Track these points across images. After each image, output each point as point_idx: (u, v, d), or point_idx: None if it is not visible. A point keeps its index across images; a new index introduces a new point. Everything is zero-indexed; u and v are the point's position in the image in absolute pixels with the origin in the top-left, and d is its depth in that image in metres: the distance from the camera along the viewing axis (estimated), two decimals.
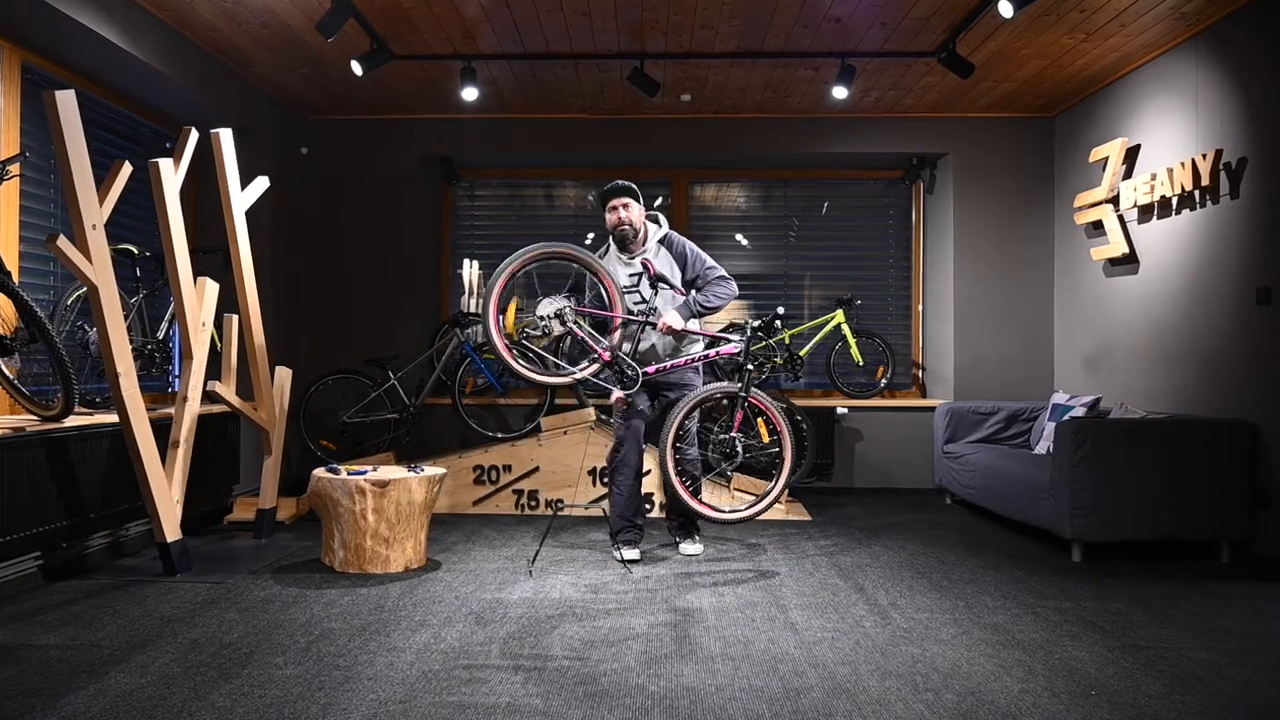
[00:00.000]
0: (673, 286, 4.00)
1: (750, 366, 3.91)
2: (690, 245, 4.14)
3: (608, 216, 4.09)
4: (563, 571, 3.86)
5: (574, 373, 3.96)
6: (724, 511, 3.99)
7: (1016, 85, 5.55)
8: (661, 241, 4.13)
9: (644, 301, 4.01)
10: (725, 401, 4.00)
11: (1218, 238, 4.46)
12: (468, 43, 4.92)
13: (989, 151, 6.17)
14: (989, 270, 6.19)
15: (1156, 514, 4.09)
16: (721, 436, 3.95)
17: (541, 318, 3.85)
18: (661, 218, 4.20)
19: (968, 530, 4.90)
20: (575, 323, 3.88)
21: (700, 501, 3.98)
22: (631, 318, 3.96)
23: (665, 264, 4.09)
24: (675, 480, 3.91)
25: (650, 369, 3.96)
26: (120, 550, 4.11)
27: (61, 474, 3.64)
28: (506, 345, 3.80)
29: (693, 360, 4.04)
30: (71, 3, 3.85)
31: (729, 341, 4.07)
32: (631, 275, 4.08)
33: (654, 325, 3.97)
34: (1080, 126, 5.80)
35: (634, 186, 4.10)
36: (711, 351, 4.08)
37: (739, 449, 3.94)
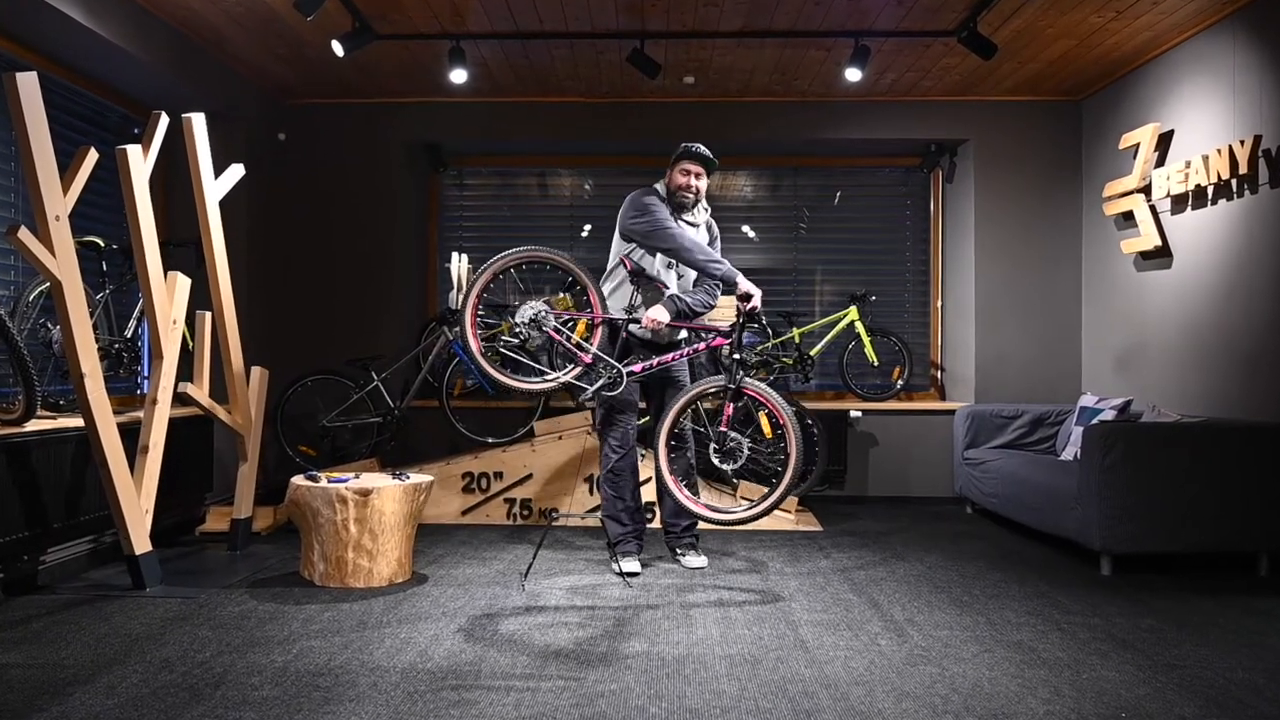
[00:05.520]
0: (654, 280, 4.09)
1: (737, 356, 3.90)
2: (720, 242, 4.35)
3: (678, 177, 4.16)
4: (557, 585, 3.86)
5: (557, 377, 4.00)
6: (722, 512, 3.96)
7: (1042, 67, 5.54)
8: (705, 223, 4.30)
9: (653, 282, 4.13)
10: (719, 396, 3.99)
11: (1257, 229, 4.45)
12: (456, 21, 4.92)
13: (1012, 137, 6.17)
14: (1012, 264, 6.19)
15: (1191, 524, 4.09)
16: (720, 430, 3.89)
17: (518, 324, 3.89)
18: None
19: (990, 541, 4.90)
20: (554, 328, 3.90)
21: (697, 502, 3.97)
22: (612, 317, 4.02)
23: (703, 240, 4.22)
24: (670, 479, 3.91)
25: (637, 368, 3.98)
26: (86, 563, 4.11)
27: (22, 482, 3.64)
28: (483, 352, 3.88)
29: (682, 355, 4.08)
30: None
31: (718, 333, 4.03)
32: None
33: (639, 322, 4.01)
34: (1109, 111, 5.80)
35: (716, 161, 4.21)
36: (700, 344, 4.09)
37: (735, 446, 3.90)
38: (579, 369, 3.97)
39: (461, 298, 3.83)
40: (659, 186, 4.23)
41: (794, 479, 3.80)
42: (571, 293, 5.61)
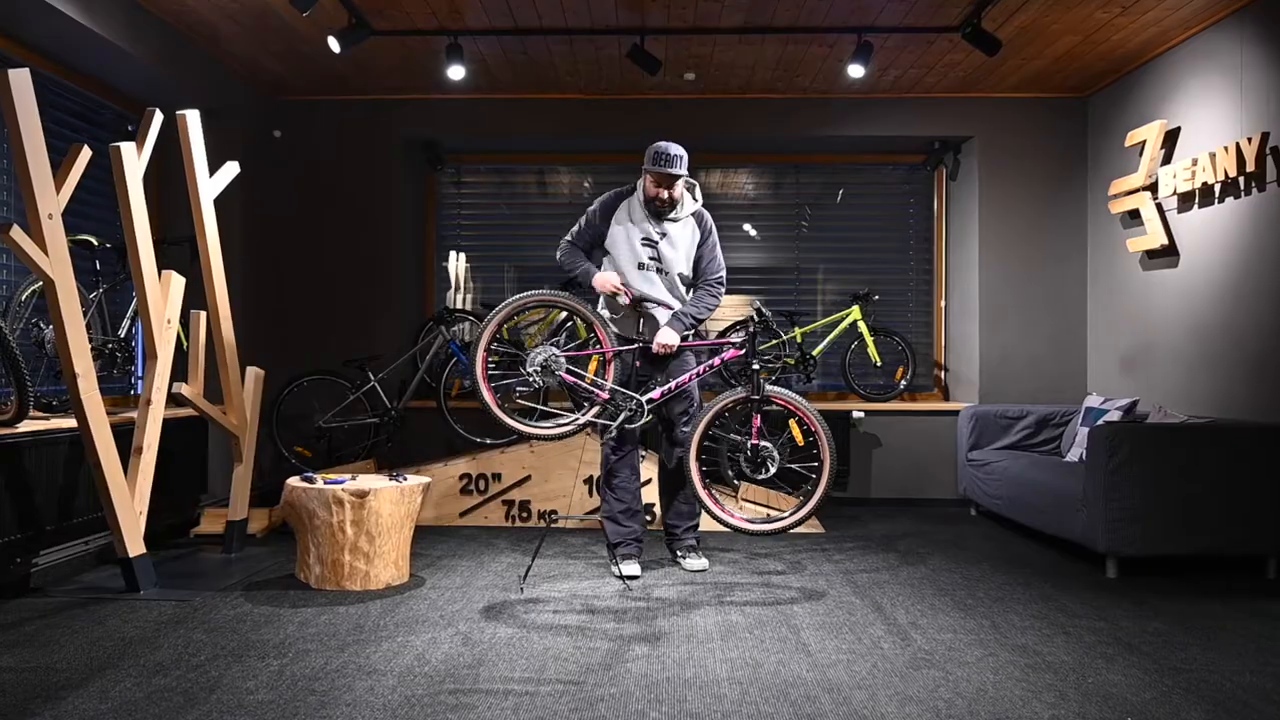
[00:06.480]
0: (660, 304, 4.10)
1: (756, 366, 3.93)
2: (716, 236, 4.26)
3: (649, 185, 4.09)
4: (557, 588, 3.87)
5: (575, 419, 4.01)
6: (757, 523, 4.02)
7: (1046, 63, 5.54)
8: (695, 215, 4.22)
9: (657, 259, 4.11)
10: (741, 409, 4.02)
11: (1264, 227, 4.45)
12: (454, 17, 4.91)
13: (1017, 134, 6.17)
14: (1017, 263, 6.19)
15: (1198, 526, 4.09)
16: (753, 444, 3.95)
17: (530, 374, 3.87)
18: (698, 187, 4.28)
19: (994, 544, 4.90)
20: (567, 370, 3.90)
21: (733, 514, 4.02)
22: (623, 349, 4.02)
23: (689, 236, 4.18)
24: (704, 493, 3.98)
25: (656, 394, 4.00)
26: (79, 566, 4.10)
27: (15, 484, 3.64)
28: (499, 403, 3.86)
29: (697, 374, 4.09)
30: None
31: (731, 346, 4.12)
32: (657, 233, 4.14)
33: (649, 348, 4.04)
34: (1115, 108, 5.80)
35: (686, 173, 4.08)
36: (716, 360, 4.11)
37: (770, 455, 3.93)
38: (597, 407, 3.98)
39: (470, 351, 3.84)
40: (639, 187, 4.21)
41: (829, 485, 3.90)
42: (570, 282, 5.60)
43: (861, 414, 6.13)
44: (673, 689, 2.68)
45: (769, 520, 4.04)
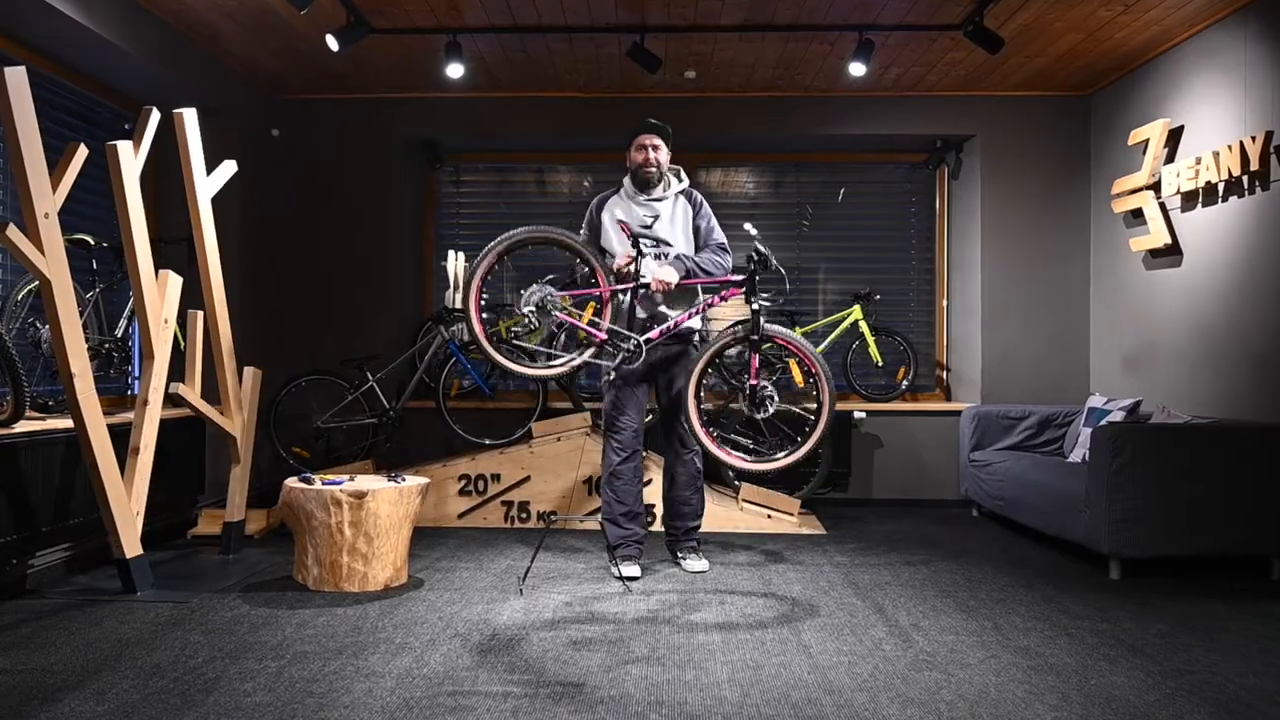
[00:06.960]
0: (662, 242, 4.10)
1: (756, 305, 3.84)
2: (708, 207, 4.31)
3: (634, 155, 4.19)
4: (556, 590, 3.86)
5: (571, 359, 3.96)
6: (754, 462, 3.94)
7: (1049, 61, 5.54)
8: (683, 193, 4.27)
9: (657, 244, 4.09)
10: (739, 350, 3.96)
11: (1268, 226, 4.45)
12: (453, 15, 4.91)
13: (1019, 133, 6.17)
14: (1019, 262, 6.19)
15: (1201, 527, 4.09)
16: (751, 384, 3.86)
17: (525, 314, 3.86)
18: (682, 171, 4.33)
19: (996, 545, 4.90)
20: (564, 310, 3.88)
21: (730, 453, 3.97)
22: (620, 287, 3.98)
23: (681, 214, 4.21)
24: (701, 431, 3.91)
25: (654, 334, 3.96)
26: (75, 567, 4.10)
27: (11, 484, 3.64)
28: (489, 338, 3.85)
29: (699, 311, 4.07)
30: None
31: (731, 284, 4.00)
32: (649, 216, 4.17)
33: (647, 287, 3.98)
34: (1118, 106, 5.80)
35: (668, 128, 4.23)
36: (715, 298, 4.05)
37: (769, 395, 3.86)
38: (594, 348, 3.95)
39: (465, 279, 3.81)
40: (625, 180, 4.25)
41: (829, 423, 3.82)
42: (573, 283, 5.60)
43: (863, 414, 6.13)
44: (673, 691, 2.68)
45: (766, 460, 3.93)
